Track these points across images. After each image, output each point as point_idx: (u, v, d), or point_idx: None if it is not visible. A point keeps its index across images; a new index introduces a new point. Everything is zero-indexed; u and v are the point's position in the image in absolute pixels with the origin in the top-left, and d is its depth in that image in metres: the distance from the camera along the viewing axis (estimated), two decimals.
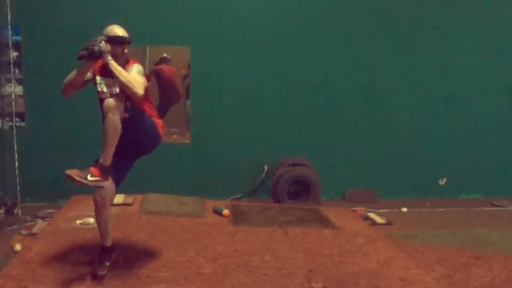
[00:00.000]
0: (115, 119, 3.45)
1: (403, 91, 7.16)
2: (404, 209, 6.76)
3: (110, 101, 3.44)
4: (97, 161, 3.56)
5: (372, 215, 6.27)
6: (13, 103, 6.34)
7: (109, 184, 3.61)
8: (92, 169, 3.51)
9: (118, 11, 6.48)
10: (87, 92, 6.50)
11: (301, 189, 6.60)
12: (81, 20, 6.42)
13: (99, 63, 3.62)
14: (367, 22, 6.99)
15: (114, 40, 3.53)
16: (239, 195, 6.93)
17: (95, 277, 3.64)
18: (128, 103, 3.57)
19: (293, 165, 6.64)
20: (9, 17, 6.17)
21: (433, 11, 7.09)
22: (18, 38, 6.31)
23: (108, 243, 3.83)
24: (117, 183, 3.72)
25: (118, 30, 3.59)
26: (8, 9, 6.14)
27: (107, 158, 3.51)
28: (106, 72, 3.57)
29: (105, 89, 3.64)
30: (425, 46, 7.13)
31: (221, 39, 6.73)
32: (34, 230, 5.23)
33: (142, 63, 6.74)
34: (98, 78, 3.69)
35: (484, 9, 7.20)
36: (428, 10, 7.08)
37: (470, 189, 7.48)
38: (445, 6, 7.10)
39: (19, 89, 6.39)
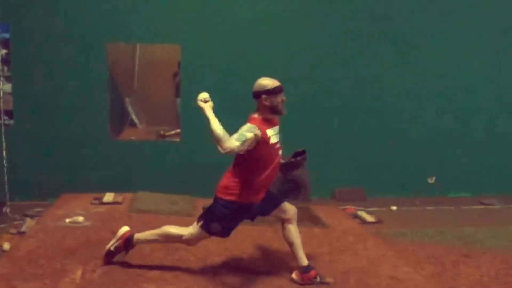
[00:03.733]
0: None
1: (393, 89, 7.19)
2: (394, 208, 6.79)
3: None
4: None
5: (361, 213, 6.29)
6: (1, 101, 6.29)
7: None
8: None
9: (109, 9, 6.45)
10: (78, 90, 6.50)
11: (291, 188, 6.61)
12: (70, 17, 6.38)
13: (259, 121, 3.62)
14: (358, 21, 6.99)
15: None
16: None
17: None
18: None
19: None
20: None
21: (429, 9, 7.15)
22: (7, 35, 6.26)
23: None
24: None
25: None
26: None
27: None
28: (270, 123, 3.65)
29: (277, 139, 3.73)
30: (415, 45, 7.16)
31: (211, 38, 6.71)
32: (23, 228, 5.19)
33: (132, 62, 6.77)
34: (269, 131, 3.62)
35: (476, 8, 7.25)
36: (422, 8, 7.13)
37: (459, 187, 7.53)
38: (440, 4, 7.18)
39: (7, 87, 6.34)
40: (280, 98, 3.59)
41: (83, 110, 6.53)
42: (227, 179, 3.61)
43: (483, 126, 7.46)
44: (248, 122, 3.55)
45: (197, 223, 3.70)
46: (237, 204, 3.55)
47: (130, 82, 6.82)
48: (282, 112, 3.63)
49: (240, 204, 3.56)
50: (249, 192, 3.57)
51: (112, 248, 3.82)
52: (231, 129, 6.84)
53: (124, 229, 3.87)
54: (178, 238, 3.75)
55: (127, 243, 3.80)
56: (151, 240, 3.83)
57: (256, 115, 3.62)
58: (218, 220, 3.60)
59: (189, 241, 3.75)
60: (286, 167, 3.90)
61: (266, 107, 3.58)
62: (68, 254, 4.03)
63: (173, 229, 3.78)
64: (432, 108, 7.30)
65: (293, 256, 3.87)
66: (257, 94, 3.59)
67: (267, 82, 3.59)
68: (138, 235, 3.81)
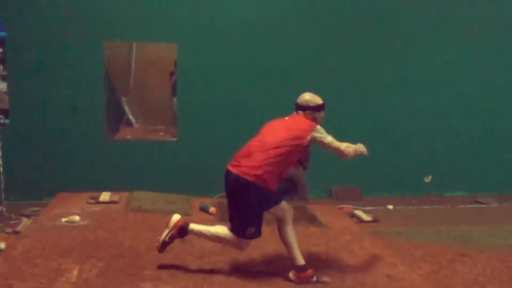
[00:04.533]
0: None
1: (389, 89, 7.21)
2: (390, 207, 6.81)
3: None
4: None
5: (358, 212, 6.30)
6: None
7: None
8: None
9: (105, 7, 6.45)
10: (74, 89, 6.49)
11: (288, 187, 6.60)
12: (66, 16, 6.37)
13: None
14: (353, 20, 7.02)
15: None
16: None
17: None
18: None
19: None
20: None
21: (427, 10, 7.17)
22: (3, 34, 6.23)
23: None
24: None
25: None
26: None
27: None
28: None
29: None
30: (412, 45, 7.18)
31: (208, 37, 6.71)
32: (19, 228, 5.19)
33: (129, 61, 6.76)
34: None
35: (475, 8, 7.27)
36: (421, 9, 7.15)
37: (455, 186, 7.55)
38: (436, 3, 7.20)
39: (3, 86, 6.31)
40: (321, 114, 4.08)
41: (80, 109, 6.53)
42: (265, 167, 3.67)
43: (479, 125, 7.48)
44: (305, 123, 3.91)
45: (235, 235, 3.76)
46: (272, 191, 3.76)
47: (126, 81, 6.81)
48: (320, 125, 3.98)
49: (272, 191, 3.76)
50: (277, 180, 3.81)
51: (166, 239, 3.83)
52: (230, 128, 6.87)
53: (176, 217, 3.87)
54: (232, 242, 3.79)
55: (181, 231, 3.81)
56: (204, 236, 3.85)
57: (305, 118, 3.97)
58: (253, 214, 3.72)
59: (242, 246, 3.82)
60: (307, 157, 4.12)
61: (308, 118, 3.98)
62: (64, 254, 4.02)
63: (228, 231, 3.78)
64: (428, 107, 7.32)
65: (290, 255, 3.87)
66: (305, 108, 4.04)
67: (309, 97, 4.12)
68: (193, 226, 3.84)
